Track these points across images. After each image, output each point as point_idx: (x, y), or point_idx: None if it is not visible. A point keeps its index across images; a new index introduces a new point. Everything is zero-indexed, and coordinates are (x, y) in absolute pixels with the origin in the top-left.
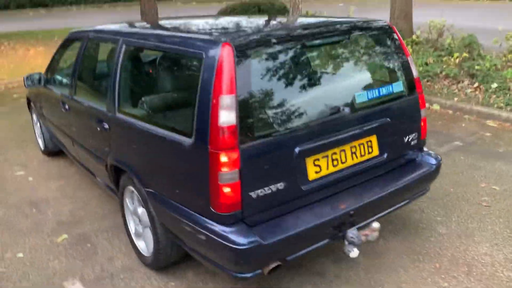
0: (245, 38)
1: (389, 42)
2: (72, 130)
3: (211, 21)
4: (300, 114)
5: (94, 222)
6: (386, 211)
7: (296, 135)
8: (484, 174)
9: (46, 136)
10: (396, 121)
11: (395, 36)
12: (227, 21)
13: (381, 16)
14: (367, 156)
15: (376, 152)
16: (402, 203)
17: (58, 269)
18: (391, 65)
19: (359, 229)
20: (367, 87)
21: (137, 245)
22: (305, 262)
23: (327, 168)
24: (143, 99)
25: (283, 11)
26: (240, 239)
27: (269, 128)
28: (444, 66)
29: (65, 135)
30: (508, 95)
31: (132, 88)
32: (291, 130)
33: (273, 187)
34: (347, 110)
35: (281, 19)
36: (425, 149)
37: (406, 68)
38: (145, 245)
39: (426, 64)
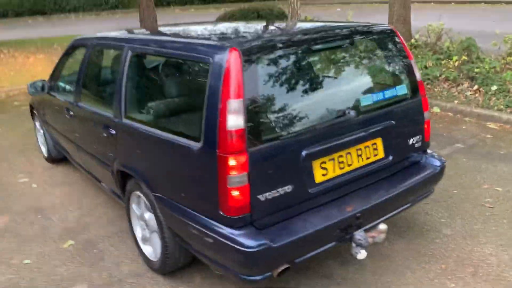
0: (251, 43)
1: (392, 46)
2: (77, 137)
3: (215, 27)
4: (307, 118)
5: (100, 228)
6: (392, 213)
7: (303, 138)
8: (486, 175)
9: (49, 143)
10: (400, 123)
11: (398, 40)
12: (232, 27)
13: (379, 20)
14: (372, 159)
15: (381, 154)
16: (408, 205)
17: (66, 275)
18: (394, 68)
19: (366, 231)
20: (372, 90)
21: (143, 250)
22: (312, 265)
23: (334, 171)
24: (150, 104)
25: (282, 16)
26: (249, 242)
27: (277, 132)
28: (443, 69)
29: (69, 142)
30: (508, 97)
31: (138, 94)
32: (298, 134)
33: (281, 190)
34: (352, 113)
35: (286, 24)
36: (429, 151)
37: (409, 71)
38: (152, 250)
39: (426, 67)
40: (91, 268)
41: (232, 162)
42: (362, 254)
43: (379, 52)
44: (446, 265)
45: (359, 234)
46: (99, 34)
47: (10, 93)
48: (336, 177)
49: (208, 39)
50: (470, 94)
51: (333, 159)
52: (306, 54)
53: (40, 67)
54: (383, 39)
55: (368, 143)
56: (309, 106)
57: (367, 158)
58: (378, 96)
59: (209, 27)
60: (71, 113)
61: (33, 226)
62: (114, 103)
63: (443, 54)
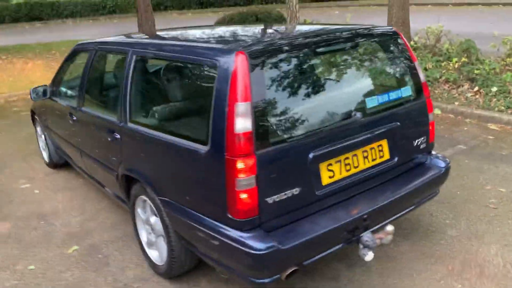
0: (258, 46)
1: (396, 48)
2: (80, 141)
3: (219, 30)
4: (313, 120)
5: (103, 233)
6: (398, 214)
7: (310, 141)
8: (489, 176)
9: (51, 148)
10: (405, 125)
11: (402, 42)
12: (236, 30)
13: (377, 22)
14: (378, 160)
15: (387, 156)
16: (413, 206)
17: (71, 280)
18: (399, 70)
19: (373, 232)
20: (377, 92)
21: (149, 254)
22: (319, 267)
23: (340, 173)
24: (156, 108)
25: (281, 19)
26: (258, 245)
27: (284, 134)
28: (443, 71)
29: (72, 147)
30: (508, 98)
31: (143, 98)
32: (305, 136)
33: (289, 193)
34: (358, 115)
35: (290, 27)
36: (433, 152)
37: (413, 72)
38: (157, 254)
39: (426, 69)
40: (96, 273)
41: (240, 165)
42: (369, 256)
43: (383, 54)
44: (452, 266)
45: (366, 236)
46: (101, 39)
47: (9, 99)
48: (342, 179)
49: (214, 42)
50: (471, 96)
51: (339, 161)
52: (312, 57)
53: (39, 73)
54: (387, 41)
55: (374, 145)
56: (315, 109)
57: (373, 160)
58: (383, 98)
59: (213, 30)
60: (74, 118)
61: (36, 231)
62: (118, 108)
63: (443, 56)
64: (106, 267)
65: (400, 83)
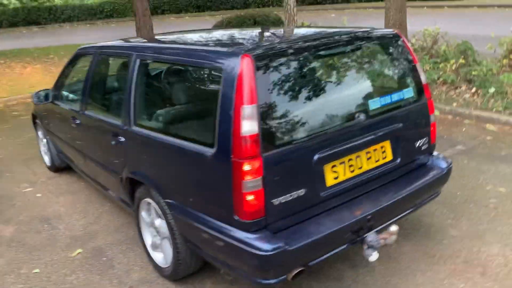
0: (263, 49)
1: (398, 50)
2: (83, 145)
3: (222, 33)
4: (318, 122)
5: (107, 236)
6: (401, 215)
7: (315, 143)
8: (489, 176)
9: (52, 152)
10: (407, 126)
11: (403, 44)
12: (239, 33)
13: (374, 25)
14: (381, 161)
15: (389, 157)
16: (416, 207)
17: (76, 283)
18: (401, 72)
19: (377, 232)
20: (380, 94)
21: (153, 257)
22: (322, 268)
23: (344, 174)
24: (161, 111)
25: (278, 22)
26: (265, 246)
27: (289, 136)
28: (441, 73)
29: (74, 150)
30: (506, 99)
31: (148, 101)
32: (310, 138)
33: (294, 194)
34: (362, 117)
35: (293, 30)
36: (435, 153)
37: (415, 74)
38: (162, 257)
39: (423, 71)
40: (100, 276)
41: (247, 167)
42: (374, 256)
43: (385, 56)
44: (455, 265)
45: (371, 236)
46: (104, 43)
47: (9, 103)
48: (347, 180)
49: (219, 45)
50: (469, 97)
51: (343, 162)
52: (316, 59)
53: (38, 77)
54: (390, 43)
55: (377, 146)
56: (319, 111)
57: (376, 161)
58: (386, 100)
59: (215, 34)
60: (77, 121)
61: (40, 235)
62: (123, 111)
63: (440, 58)
64: (111, 270)
65: (402, 85)
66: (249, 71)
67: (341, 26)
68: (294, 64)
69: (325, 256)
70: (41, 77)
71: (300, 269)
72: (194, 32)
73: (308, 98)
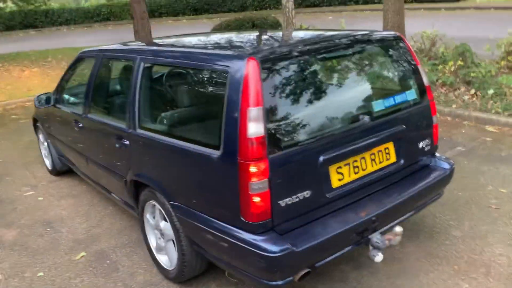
0: (268, 52)
1: (400, 52)
2: (86, 148)
3: (225, 36)
4: (323, 124)
5: (110, 239)
6: (405, 216)
7: (320, 144)
8: (489, 177)
9: (53, 155)
10: (410, 128)
11: (406, 46)
12: (242, 36)
13: (371, 27)
14: (385, 163)
15: (393, 158)
16: (419, 208)
17: (81, 286)
18: (403, 74)
19: (382, 233)
20: (384, 96)
21: (158, 259)
22: (327, 270)
23: (349, 176)
24: (166, 114)
25: (277, 25)
26: (272, 247)
27: (295, 138)
28: (440, 75)
29: (77, 153)
30: (505, 100)
31: (153, 104)
32: (315, 140)
33: (300, 195)
34: (366, 118)
35: (296, 33)
36: (437, 154)
37: (417, 76)
38: (167, 259)
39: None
40: (105, 279)
41: (253, 169)
42: (379, 257)
43: (388, 58)
44: (459, 266)
45: (376, 237)
46: (106, 47)
47: (7, 106)
48: (351, 181)
49: (224, 48)
50: (468, 98)
51: (348, 164)
52: (320, 62)
53: (36, 80)
54: (392, 45)
55: (381, 147)
56: (324, 113)
57: (380, 162)
58: (389, 102)
59: (216, 37)
60: (80, 124)
61: (43, 238)
62: (127, 114)
63: (439, 60)
64: (115, 273)
65: (405, 87)
66: (255, 74)
67: (341, 29)
68: (299, 67)
69: (331, 257)
70: (39, 81)
71: (306, 271)
72: (196, 35)
73: (313, 100)
